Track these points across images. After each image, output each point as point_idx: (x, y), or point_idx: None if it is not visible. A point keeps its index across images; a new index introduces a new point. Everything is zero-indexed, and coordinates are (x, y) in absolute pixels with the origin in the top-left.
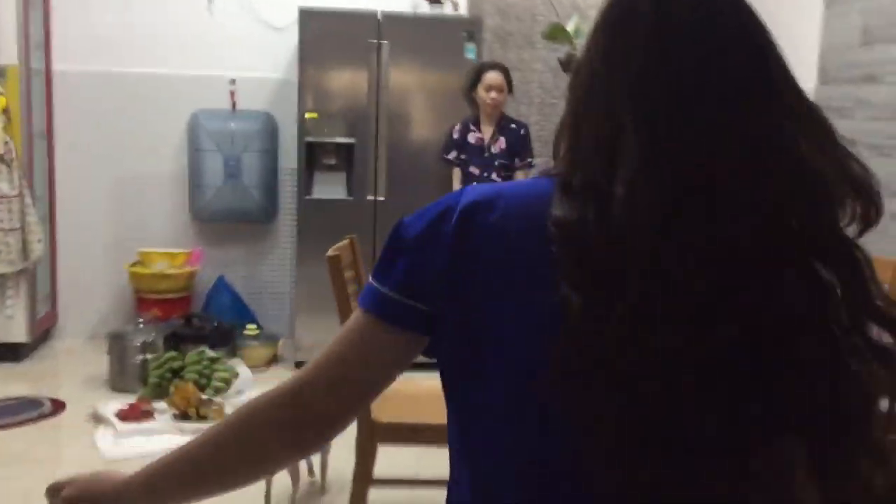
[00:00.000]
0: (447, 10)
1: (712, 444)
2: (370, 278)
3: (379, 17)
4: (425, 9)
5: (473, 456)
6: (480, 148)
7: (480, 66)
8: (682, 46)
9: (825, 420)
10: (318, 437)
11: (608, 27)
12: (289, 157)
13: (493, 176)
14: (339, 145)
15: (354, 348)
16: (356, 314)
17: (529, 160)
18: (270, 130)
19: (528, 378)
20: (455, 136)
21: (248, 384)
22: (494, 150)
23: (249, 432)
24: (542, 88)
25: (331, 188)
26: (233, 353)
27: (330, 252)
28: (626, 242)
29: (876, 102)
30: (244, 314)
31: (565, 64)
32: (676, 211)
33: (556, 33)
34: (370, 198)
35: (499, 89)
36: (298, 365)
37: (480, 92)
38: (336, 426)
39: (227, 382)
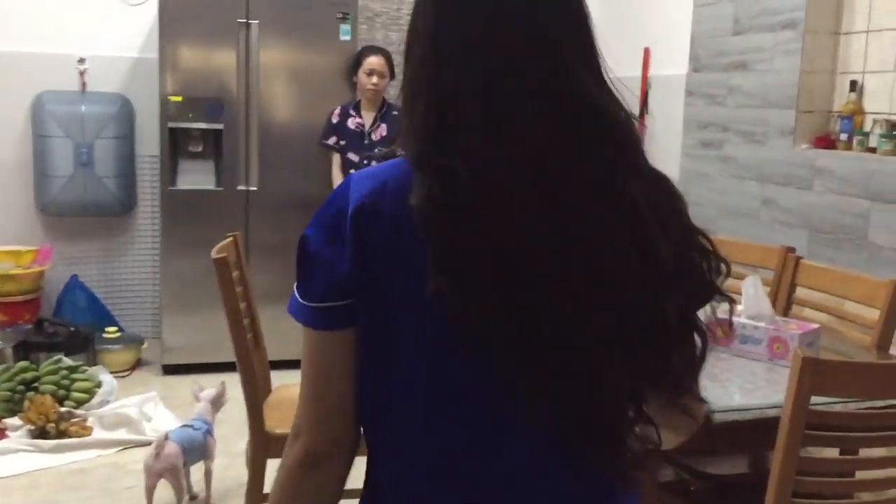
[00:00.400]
0: None
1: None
2: (296, 294)
3: None
4: None
5: (386, 419)
6: (360, 134)
7: (361, 49)
8: (510, 12)
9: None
10: (343, 461)
11: None
12: (148, 144)
13: (374, 164)
14: (205, 131)
15: (315, 365)
16: (304, 334)
17: None
18: (126, 114)
19: (427, 345)
20: (334, 120)
21: (113, 393)
22: (375, 137)
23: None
24: None
25: (198, 177)
26: (92, 359)
27: (215, 254)
28: (478, 220)
29: (747, 90)
30: (102, 316)
31: None
32: (520, 182)
33: None
34: (241, 188)
35: (380, 74)
36: (166, 368)
37: (361, 76)
38: (350, 441)
39: (90, 392)
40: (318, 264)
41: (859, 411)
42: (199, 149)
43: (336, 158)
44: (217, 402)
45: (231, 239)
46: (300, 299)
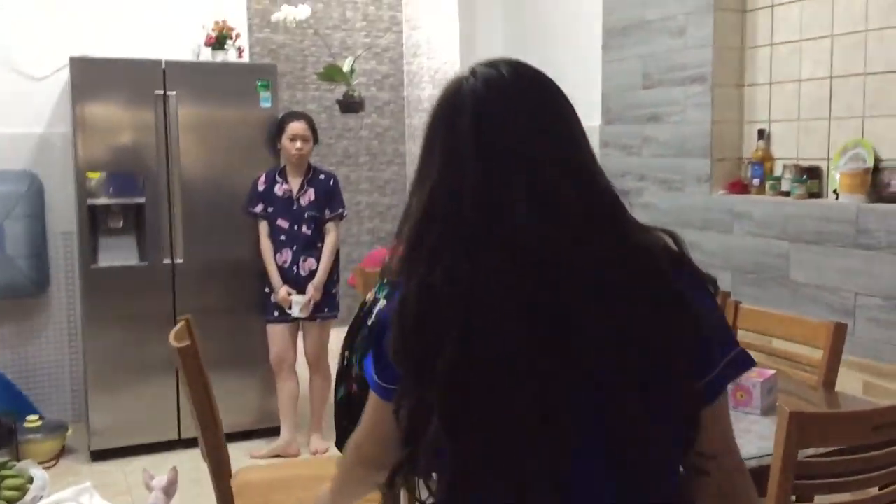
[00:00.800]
0: (231, 56)
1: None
2: (371, 367)
3: (163, 65)
4: (208, 56)
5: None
6: (289, 200)
7: (284, 116)
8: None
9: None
10: (383, 473)
11: (433, 121)
12: (60, 221)
13: (304, 229)
14: (125, 206)
15: (373, 418)
16: (371, 394)
17: (341, 211)
18: (36, 192)
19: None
20: (260, 188)
21: (46, 487)
22: (304, 201)
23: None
24: (318, 128)
25: (119, 254)
26: (16, 452)
27: (177, 343)
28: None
29: (661, 140)
30: (20, 404)
31: (343, 104)
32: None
33: (332, 74)
34: (167, 261)
35: (303, 139)
36: (94, 455)
37: (285, 142)
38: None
39: (21, 490)
40: (385, 359)
41: (845, 458)
42: (120, 224)
43: (263, 226)
44: (170, 490)
45: (183, 323)
46: (374, 375)
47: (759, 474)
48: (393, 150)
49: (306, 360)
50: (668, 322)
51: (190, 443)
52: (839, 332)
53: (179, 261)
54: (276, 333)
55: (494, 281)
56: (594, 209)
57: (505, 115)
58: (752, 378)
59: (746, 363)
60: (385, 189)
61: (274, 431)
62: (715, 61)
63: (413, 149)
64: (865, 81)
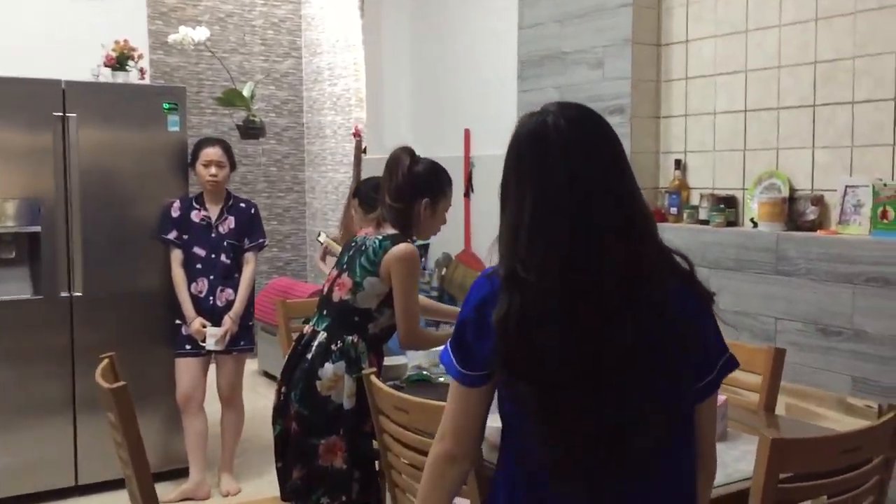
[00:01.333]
0: (133, 77)
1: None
2: (451, 354)
3: (63, 85)
4: (108, 77)
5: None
6: (207, 227)
7: (198, 142)
8: (569, 167)
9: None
10: (469, 462)
11: (518, 145)
12: None
13: (223, 257)
14: (18, 235)
15: (458, 405)
16: (452, 380)
17: (261, 240)
18: None
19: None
20: (174, 214)
21: None
22: (223, 229)
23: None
24: None
25: (11, 286)
26: None
27: (107, 384)
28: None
29: None
30: None
31: (243, 129)
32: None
33: (232, 98)
34: (64, 294)
35: (218, 164)
36: None
37: (199, 169)
38: (473, 452)
39: None
40: (467, 341)
41: (823, 482)
42: (12, 255)
43: (177, 254)
44: None
45: (108, 361)
46: (455, 362)
47: (728, 502)
48: (292, 178)
49: (219, 395)
50: (676, 332)
51: (87, 489)
52: (779, 356)
53: (78, 293)
54: (186, 368)
55: (583, 300)
56: (635, 230)
57: (590, 149)
58: None
59: (733, 365)
60: (284, 217)
61: (182, 473)
62: (633, 93)
63: (314, 176)
64: (779, 115)
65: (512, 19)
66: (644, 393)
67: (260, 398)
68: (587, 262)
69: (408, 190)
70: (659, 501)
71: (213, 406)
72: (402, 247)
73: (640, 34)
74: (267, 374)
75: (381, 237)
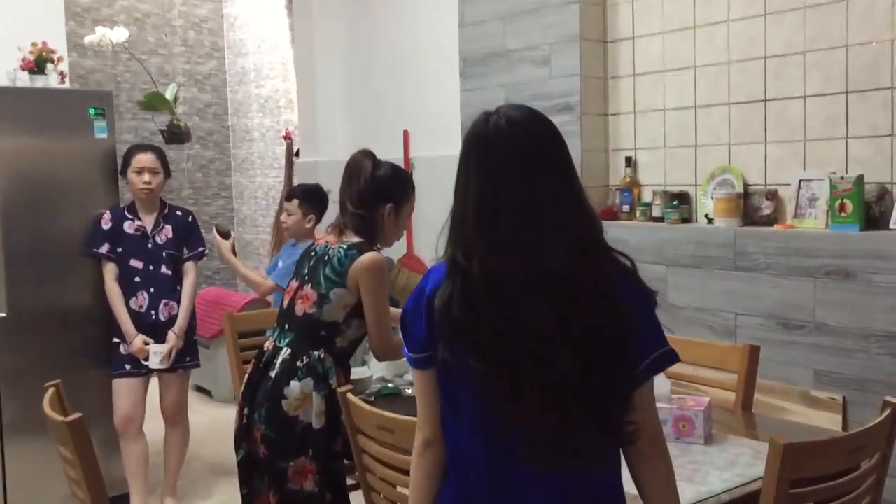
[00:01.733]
0: (52, 81)
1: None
2: (406, 348)
3: None
4: (25, 81)
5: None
6: (143, 238)
7: (130, 148)
8: (505, 168)
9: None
10: (442, 447)
11: (467, 143)
12: None
13: (163, 269)
14: None
15: (419, 390)
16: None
17: (201, 249)
18: None
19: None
20: (105, 226)
21: None
22: (160, 239)
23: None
24: None
25: None
26: None
27: (63, 419)
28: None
29: None
30: None
31: (168, 134)
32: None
33: (154, 102)
34: None
35: (151, 171)
36: None
37: (131, 176)
38: (439, 439)
39: None
40: (408, 328)
41: (831, 484)
42: None
43: (110, 268)
44: None
45: (54, 390)
46: (406, 348)
47: None
48: (219, 183)
49: (163, 416)
50: (607, 317)
51: None
52: (753, 354)
53: (2, 314)
54: (125, 389)
55: (520, 283)
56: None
57: (533, 149)
58: (693, 408)
59: (671, 359)
60: (211, 224)
61: (122, 500)
62: (582, 90)
63: (242, 181)
64: (730, 110)
65: (452, 17)
66: (583, 371)
67: (194, 414)
68: (527, 249)
69: (370, 196)
70: (582, 487)
71: (148, 426)
72: (369, 256)
73: (586, 31)
74: (200, 389)
75: (345, 246)
